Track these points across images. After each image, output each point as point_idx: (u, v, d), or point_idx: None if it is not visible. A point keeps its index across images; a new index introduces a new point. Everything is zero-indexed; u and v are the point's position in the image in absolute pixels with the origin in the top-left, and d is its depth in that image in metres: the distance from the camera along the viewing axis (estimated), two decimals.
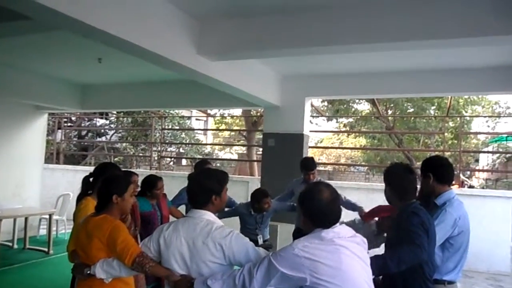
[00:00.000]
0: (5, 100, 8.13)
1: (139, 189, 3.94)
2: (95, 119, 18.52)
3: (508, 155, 16.75)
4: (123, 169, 3.83)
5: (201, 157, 16.72)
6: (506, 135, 12.57)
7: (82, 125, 17.96)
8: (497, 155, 17.26)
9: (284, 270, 1.85)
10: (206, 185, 2.21)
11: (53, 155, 12.70)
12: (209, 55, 4.59)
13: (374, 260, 2.09)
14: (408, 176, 2.55)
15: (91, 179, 3.21)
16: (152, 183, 4.02)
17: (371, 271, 2.01)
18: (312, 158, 5.07)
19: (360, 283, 1.89)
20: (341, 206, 2.12)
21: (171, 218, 3.86)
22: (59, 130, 13.88)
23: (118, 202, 2.49)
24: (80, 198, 3.18)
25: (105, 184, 2.54)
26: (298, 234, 4.72)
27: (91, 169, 3.53)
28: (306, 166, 4.81)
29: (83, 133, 18.39)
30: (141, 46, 3.67)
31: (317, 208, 1.97)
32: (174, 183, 5.14)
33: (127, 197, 2.55)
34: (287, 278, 1.86)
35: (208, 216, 2.18)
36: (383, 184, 2.66)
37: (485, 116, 18.48)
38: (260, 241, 4.59)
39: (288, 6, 4.02)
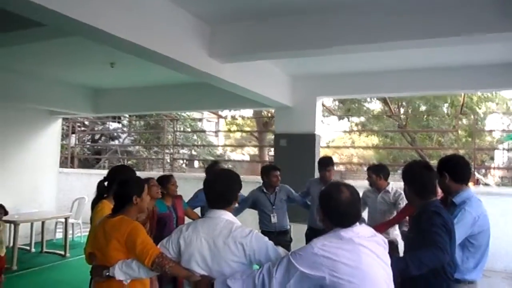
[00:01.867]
0: (20, 107, 8.28)
1: (159, 191, 3.91)
2: (108, 123, 18.69)
3: None
4: (139, 174, 3.81)
5: (213, 158, 16.78)
6: None
7: (95, 129, 18.14)
8: None
9: (303, 269, 1.85)
10: (234, 186, 2.28)
11: (67, 160, 12.86)
12: (220, 58, 4.61)
13: (395, 262, 2.07)
14: (427, 174, 2.52)
15: (105, 183, 3.25)
16: (165, 179, 4.08)
17: (392, 273, 1.99)
18: (330, 157, 5.20)
19: (379, 283, 1.89)
20: None
21: (187, 220, 3.89)
22: (73, 135, 14.05)
23: (138, 202, 2.54)
24: (95, 202, 3.22)
25: (122, 186, 2.57)
26: (311, 234, 4.74)
27: (105, 172, 3.55)
28: (325, 163, 4.87)
29: (96, 137, 18.57)
30: (152, 50, 3.71)
31: (336, 208, 1.97)
32: (187, 185, 5.18)
33: (145, 197, 2.61)
34: (306, 278, 1.86)
35: (228, 216, 2.21)
36: (396, 183, 2.65)
37: (499, 113, 18.21)
38: (274, 220, 4.67)
39: (298, 7, 4.02)
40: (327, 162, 4.87)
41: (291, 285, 1.90)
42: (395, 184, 4.45)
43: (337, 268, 1.82)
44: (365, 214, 4.54)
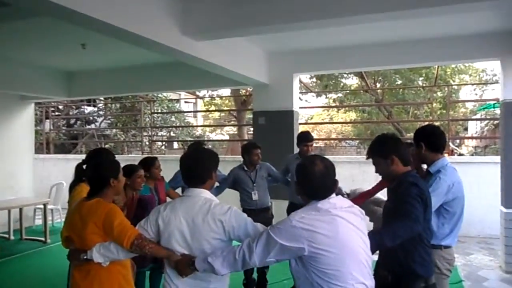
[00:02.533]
0: None
1: (143, 184, 3.85)
2: (82, 106, 18.31)
3: (495, 122, 16.93)
4: (126, 165, 3.73)
5: (192, 139, 16.68)
6: (493, 102, 12.65)
7: (70, 113, 17.76)
8: (485, 122, 17.44)
9: (282, 242, 1.88)
10: (207, 163, 2.26)
11: (43, 145, 12.60)
12: (194, 35, 4.53)
13: (371, 235, 2.11)
14: (403, 145, 2.56)
15: (84, 166, 3.20)
16: (149, 163, 4.05)
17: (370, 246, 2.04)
18: (308, 131, 5.17)
19: (357, 251, 1.94)
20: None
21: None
22: (47, 120, 13.71)
23: (115, 184, 2.51)
24: (73, 186, 3.18)
25: (98, 169, 2.53)
26: (292, 209, 4.79)
27: (82, 157, 3.51)
28: (305, 138, 4.89)
29: (72, 121, 18.19)
30: (124, 29, 3.61)
31: (310, 180, 2.00)
32: (167, 167, 5.14)
33: (121, 178, 2.58)
34: (286, 249, 1.90)
35: (206, 194, 2.21)
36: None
37: (472, 84, 18.59)
38: (255, 197, 4.71)
39: None
40: (305, 137, 4.90)
41: (271, 258, 1.93)
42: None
43: (315, 239, 1.86)
44: None
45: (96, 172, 2.52)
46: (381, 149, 2.54)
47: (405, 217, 2.27)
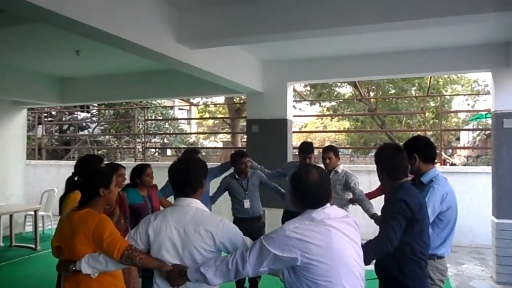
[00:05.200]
0: None
1: (126, 181, 3.93)
2: (76, 112, 18.23)
3: (487, 132, 17.06)
4: (109, 162, 3.80)
5: (185, 146, 16.64)
6: (485, 113, 12.76)
7: (63, 119, 17.67)
8: (477, 132, 17.59)
9: (276, 252, 1.88)
10: (196, 173, 2.24)
11: (34, 151, 12.50)
12: (189, 43, 4.54)
13: None
14: (397, 156, 2.54)
15: (75, 178, 3.18)
16: (140, 170, 4.05)
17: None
18: (310, 143, 5.10)
19: (350, 262, 1.93)
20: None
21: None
22: (40, 126, 13.62)
23: (105, 194, 2.47)
24: (63, 198, 3.15)
25: (89, 178, 2.49)
26: (287, 217, 4.79)
27: (74, 163, 3.49)
28: (303, 150, 4.88)
29: (65, 127, 18.10)
30: (118, 36, 3.60)
31: (305, 189, 2.00)
32: (160, 174, 5.11)
33: (112, 188, 2.53)
34: (279, 259, 1.89)
35: (197, 204, 2.20)
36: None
37: (464, 95, 18.78)
38: (247, 205, 4.70)
39: None
40: (307, 149, 4.85)
41: (264, 267, 1.93)
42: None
43: (308, 249, 1.85)
44: None
45: (87, 180, 2.49)
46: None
47: (379, 238, 2.34)
